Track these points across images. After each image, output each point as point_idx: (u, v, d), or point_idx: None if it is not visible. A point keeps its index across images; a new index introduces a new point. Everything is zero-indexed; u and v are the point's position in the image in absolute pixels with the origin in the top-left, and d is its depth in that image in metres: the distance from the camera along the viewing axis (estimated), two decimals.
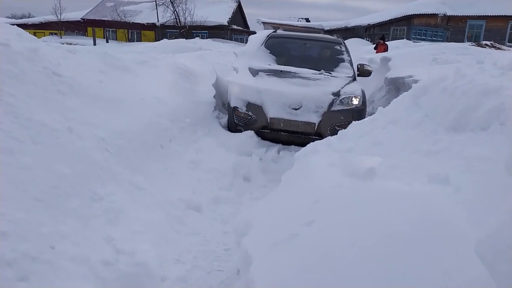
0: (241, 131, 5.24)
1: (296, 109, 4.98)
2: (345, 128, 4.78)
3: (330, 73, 5.69)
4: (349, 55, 6.34)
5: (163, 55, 7.83)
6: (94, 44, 21.10)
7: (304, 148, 4.16)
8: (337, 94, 5.13)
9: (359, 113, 5.12)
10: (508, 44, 21.62)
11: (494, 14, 23.38)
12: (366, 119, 4.11)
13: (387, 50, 12.78)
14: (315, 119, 4.95)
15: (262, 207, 2.86)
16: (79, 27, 31.39)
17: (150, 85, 5.05)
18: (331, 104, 5.02)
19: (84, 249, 2.32)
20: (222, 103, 6.75)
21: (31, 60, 3.48)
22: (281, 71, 5.55)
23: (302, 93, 5.01)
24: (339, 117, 4.99)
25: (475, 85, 2.79)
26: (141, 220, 2.87)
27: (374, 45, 14.93)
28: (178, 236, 3.05)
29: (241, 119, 5.22)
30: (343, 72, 5.87)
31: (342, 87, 5.28)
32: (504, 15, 23.24)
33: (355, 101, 5.15)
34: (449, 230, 1.46)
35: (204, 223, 3.36)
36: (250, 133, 5.29)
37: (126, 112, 4.01)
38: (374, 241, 1.73)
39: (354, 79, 5.79)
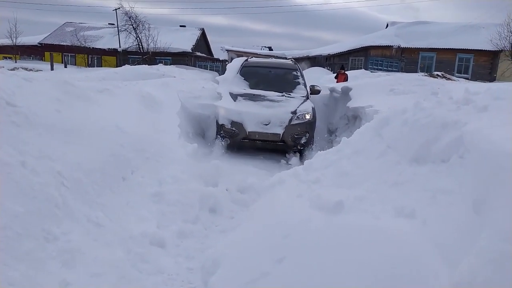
0: (228, 142, 6.72)
1: (266, 125, 6.64)
2: (301, 136, 6.70)
3: (290, 94, 7.34)
4: (303, 79, 7.97)
5: (126, 82, 7.66)
6: (52, 69, 20.43)
7: (271, 178, 4.15)
8: (294, 112, 6.80)
9: (310, 124, 6.93)
10: (457, 74, 23.14)
11: (443, 47, 25.08)
12: (331, 149, 4.17)
13: (347, 80, 13.24)
14: (279, 131, 6.64)
15: (230, 242, 2.77)
16: (36, 52, 30.40)
17: (111, 114, 4.89)
18: (290, 120, 6.70)
19: None
20: (187, 132, 6.66)
21: None
22: (254, 94, 7.16)
23: (270, 113, 6.69)
24: (297, 128, 6.71)
25: (434, 119, 2.91)
26: (100, 260, 2.68)
27: (335, 75, 15.44)
28: (140, 275, 2.87)
29: (227, 133, 6.76)
30: (299, 93, 7.53)
31: (298, 107, 6.93)
32: (452, 48, 24.99)
33: (308, 116, 6.87)
34: (421, 269, 1.45)
35: (168, 260, 3.19)
36: (215, 163, 5.24)
37: (85, 143, 3.82)
38: (346, 280, 1.70)
39: (307, 98, 7.42)
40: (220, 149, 6.64)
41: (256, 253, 2.31)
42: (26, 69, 17.64)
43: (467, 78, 22.03)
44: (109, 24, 33.13)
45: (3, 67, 15.36)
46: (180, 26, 34.74)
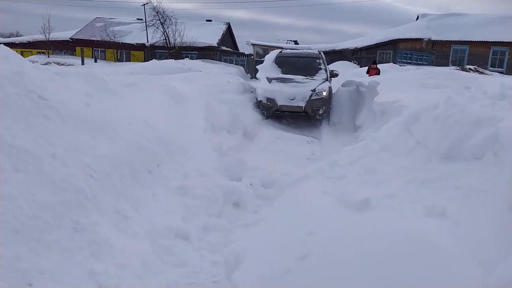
0: (264, 113, 8.91)
1: (292, 100, 8.74)
2: (319, 108, 8.71)
3: (312, 77, 9.50)
4: (325, 65, 10.12)
5: (153, 76, 7.76)
6: (82, 63, 20.98)
7: (296, 173, 4.11)
8: (314, 90, 8.83)
9: (326, 100, 8.87)
10: (490, 68, 22.19)
11: (476, 40, 24.07)
12: (357, 145, 4.09)
13: (379, 74, 12.86)
14: (302, 104, 8.71)
15: (253, 237, 2.76)
16: (68, 47, 31.24)
17: (139, 108, 4.96)
18: (310, 96, 8.74)
19: (65, 286, 2.18)
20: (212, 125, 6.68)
21: (16, 84, 3.35)
22: (284, 78, 9.41)
23: (295, 91, 8.81)
24: (315, 102, 8.75)
25: (468, 114, 2.78)
26: (126, 251, 2.73)
27: (366, 69, 15.01)
28: (165, 267, 2.91)
29: (264, 106, 8.92)
30: (320, 76, 9.64)
31: (317, 86, 8.96)
32: (486, 41, 23.94)
33: (324, 94, 8.84)
34: (453, 271, 1.39)
35: (192, 253, 3.22)
36: (240, 157, 5.26)
37: (113, 136, 3.89)
38: (372, 281, 1.65)
39: (326, 80, 9.41)
40: (245, 143, 6.67)
41: (280, 249, 2.29)
42: (58, 63, 18.22)
43: (501, 72, 21.12)
44: (137, 19, 33.59)
45: (37, 61, 15.88)
46: (207, 20, 34.87)
